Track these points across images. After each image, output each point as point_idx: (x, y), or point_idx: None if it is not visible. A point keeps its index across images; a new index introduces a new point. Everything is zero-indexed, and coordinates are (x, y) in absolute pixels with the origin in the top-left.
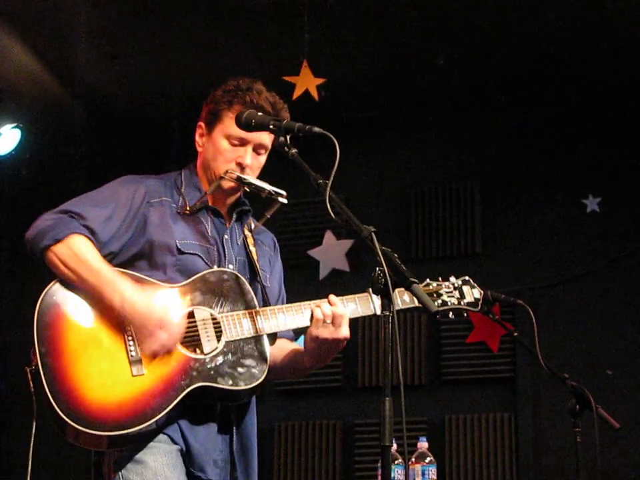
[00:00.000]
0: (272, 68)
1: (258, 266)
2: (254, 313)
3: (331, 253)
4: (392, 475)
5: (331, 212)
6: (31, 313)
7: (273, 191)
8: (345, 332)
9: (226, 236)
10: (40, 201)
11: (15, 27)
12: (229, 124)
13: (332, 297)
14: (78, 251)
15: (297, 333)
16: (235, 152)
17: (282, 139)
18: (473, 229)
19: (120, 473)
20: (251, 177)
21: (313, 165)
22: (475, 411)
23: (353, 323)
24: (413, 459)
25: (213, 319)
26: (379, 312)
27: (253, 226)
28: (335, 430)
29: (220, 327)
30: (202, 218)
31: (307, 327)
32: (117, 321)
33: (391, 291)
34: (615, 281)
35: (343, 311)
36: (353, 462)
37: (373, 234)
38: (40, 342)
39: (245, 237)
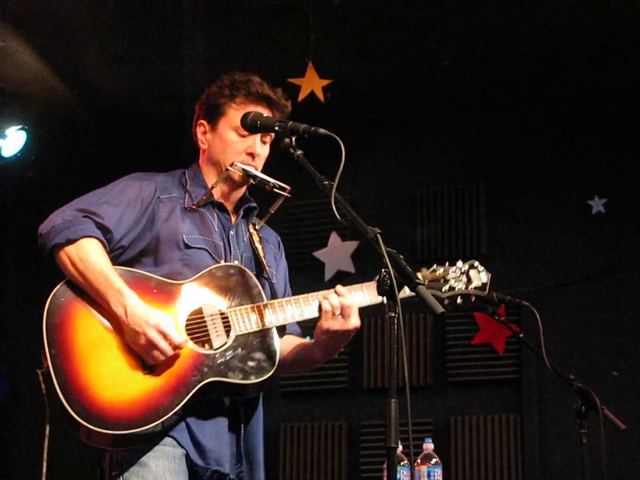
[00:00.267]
0: (277, 70)
1: (264, 262)
2: (262, 307)
3: (337, 254)
4: (397, 477)
5: (336, 213)
6: (38, 314)
7: (278, 184)
8: (355, 322)
9: (232, 232)
10: (45, 203)
11: (21, 28)
12: (234, 116)
13: (339, 287)
14: (88, 254)
15: (302, 326)
16: (244, 142)
17: (287, 140)
18: (478, 231)
19: (121, 472)
20: (257, 170)
21: (318, 166)
22: (480, 412)
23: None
24: (419, 461)
25: (221, 314)
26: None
27: (257, 224)
28: (341, 431)
29: (228, 321)
30: (208, 214)
31: (315, 319)
32: None
33: (397, 293)
34: (620, 282)
35: (351, 302)
36: (358, 463)
37: (378, 235)
38: (50, 344)
39: (251, 234)
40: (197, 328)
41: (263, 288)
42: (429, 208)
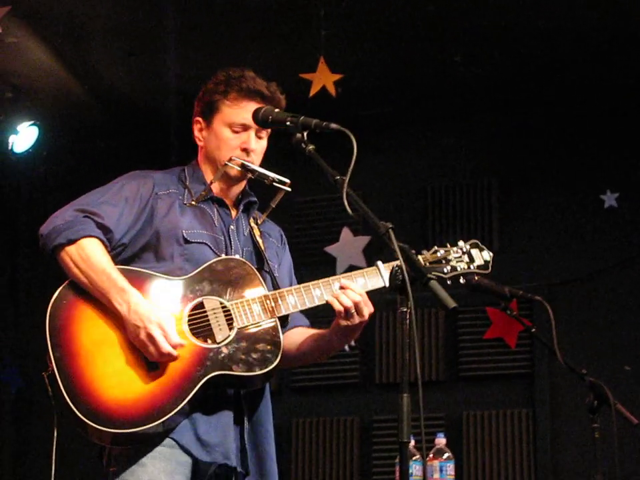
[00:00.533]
0: (288, 65)
1: (266, 256)
2: (263, 298)
3: (348, 249)
4: (410, 471)
5: (348, 208)
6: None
7: (277, 178)
8: (367, 313)
9: (232, 227)
10: (58, 198)
11: (33, 25)
12: (227, 112)
13: (344, 281)
14: (90, 254)
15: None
16: (238, 138)
17: (299, 135)
18: (490, 225)
19: (118, 468)
20: (255, 165)
21: (329, 161)
22: (492, 407)
23: (371, 320)
24: (431, 455)
25: (223, 307)
26: (388, 284)
27: (259, 219)
28: (353, 426)
29: (231, 314)
30: (208, 209)
31: (320, 306)
32: None
33: (409, 288)
34: (633, 276)
35: (360, 296)
36: (370, 458)
37: (390, 230)
38: (54, 346)
39: (252, 229)
40: (199, 322)
41: (265, 281)
42: (440, 203)
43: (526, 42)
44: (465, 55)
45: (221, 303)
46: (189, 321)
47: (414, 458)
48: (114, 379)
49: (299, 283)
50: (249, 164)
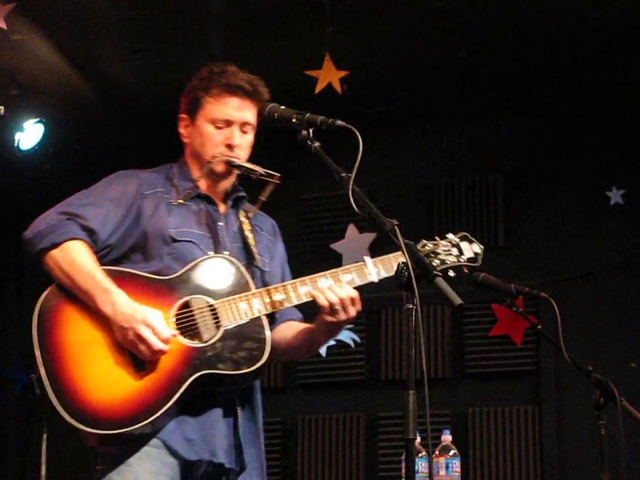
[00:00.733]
0: (294, 62)
1: (255, 252)
2: (250, 296)
3: (354, 246)
4: (416, 468)
5: (354, 205)
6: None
7: (265, 172)
8: (354, 312)
9: (220, 223)
10: (63, 196)
11: (38, 21)
12: (210, 108)
13: (326, 282)
14: (74, 256)
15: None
16: (221, 134)
17: (305, 132)
18: (495, 222)
19: (104, 467)
20: (240, 160)
21: (334, 158)
22: (498, 404)
23: (377, 317)
24: (437, 452)
25: (210, 305)
26: (376, 279)
27: (250, 212)
28: (359, 423)
29: (217, 313)
30: (195, 206)
31: (304, 304)
32: None
33: (414, 285)
34: (639, 273)
35: (347, 293)
36: (376, 455)
37: (396, 227)
38: (41, 349)
39: (241, 224)
40: (187, 322)
41: (254, 277)
42: (446, 200)
43: (530, 39)
44: (471, 52)
45: (208, 302)
46: (176, 320)
47: (420, 455)
48: (101, 379)
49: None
50: (234, 160)
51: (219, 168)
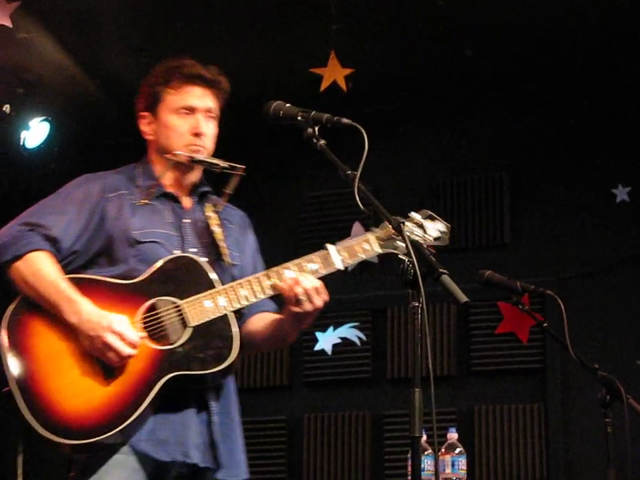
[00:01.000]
0: (299, 60)
1: (223, 246)
2: (215, 294)
3: None
4: (422, 466)
5: (359, 203)
6: None
7: (228, 165)
8: (320, 302)
9: (186, 220)
10: None
11: (44, 20)
12: (172, 99)
13: (294, 274)
14: (37, 268)
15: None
16: (187, 123)
17: (310, 130)
18: (501, 220)
19: (76, 474)
20: (207, 149)
21: (340, 156)
22: (504, 402)
23: (383, 315)
24: (443, 450)
25: (176, 306)
26: (341, 267)
27: (219, 206)
28: (364, 421)
29: (184, 313)
30: (160, 205)
31: (270, 297)
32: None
33: (420, 283)
34: None
35: (310, 283)
36: (382, 453)
37: (401, 225)
38: (11, 363)
39: (208, 219)
40: (154, 325)
41: (223, 273)
42: (452, 197)
43: (536, 36)
44: (476, 49)
45: (174, 303)
46: (143, 324)
47: (426, 453)
48: (71, 390)
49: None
50: (195, 156)
51: (181, 164)
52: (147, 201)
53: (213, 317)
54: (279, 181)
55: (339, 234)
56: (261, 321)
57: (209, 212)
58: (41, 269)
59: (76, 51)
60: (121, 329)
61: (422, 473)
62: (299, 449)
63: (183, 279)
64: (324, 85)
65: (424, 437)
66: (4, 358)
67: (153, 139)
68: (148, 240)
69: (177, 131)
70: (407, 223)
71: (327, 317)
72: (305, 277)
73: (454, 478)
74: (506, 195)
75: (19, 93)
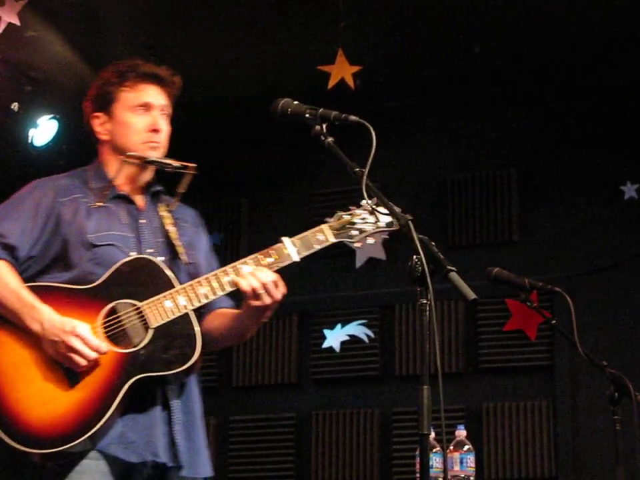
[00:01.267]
0: (307, 57)
1: (179, 245)
2: (174, 294)
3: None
4: (430, 463)
5: (367, 200)
6: None
7: (179, 164)
8: (279, 294)
9: (142, 220)
10: None
11: (51, 17)
12: (127, 97)
13: (253, 269)
14: None
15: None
16: (143, 120)
17: (318, 127)
18: (509, 217)
19: None
20: (160, 148)
21: (348, 153)
22: (512, 399)
23: (391, 312)
24: (451, 447)
25: (136, 309)
26: (297, 258)
27: (172, 205)
28: (373, 419)
29: (144, 315)
30: (115, 207)
31: (229, 293)
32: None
33: (429, 280)
34: None
35: (266, 277)
36: (390, 450)
37: (409, 222)
38: None
39: (162, 218)
40: (115, 328)
41: (179, 272)
42: (460, 194)
43: (546, 34)
44: (484, 46)
45: (134, 305)
46: (104, 328)
47: (434, 450)
48: (37, 398)
49: (323, 275)
50: (147, 156)
51: (134, 164)
52: (101, 203)
53: (174, 316)
54: (286, 179)
55: None
56: (218, 318)
57: (162, 211)
58: (0, 278)
59: (84, 49)
60: (84, 333)
61: (430, 470)
62: (307, 446)
63: (142, 281)
64: (332, 83)
65: (432, 434)
66: None
67: (107, 138)
68: (104, 243)
69: (134, 128)
70: (357, 211)
71: (335, 315)
72: (262, 271)
73: (462, 475)
74: (514, 192)
75: (27, 90)
